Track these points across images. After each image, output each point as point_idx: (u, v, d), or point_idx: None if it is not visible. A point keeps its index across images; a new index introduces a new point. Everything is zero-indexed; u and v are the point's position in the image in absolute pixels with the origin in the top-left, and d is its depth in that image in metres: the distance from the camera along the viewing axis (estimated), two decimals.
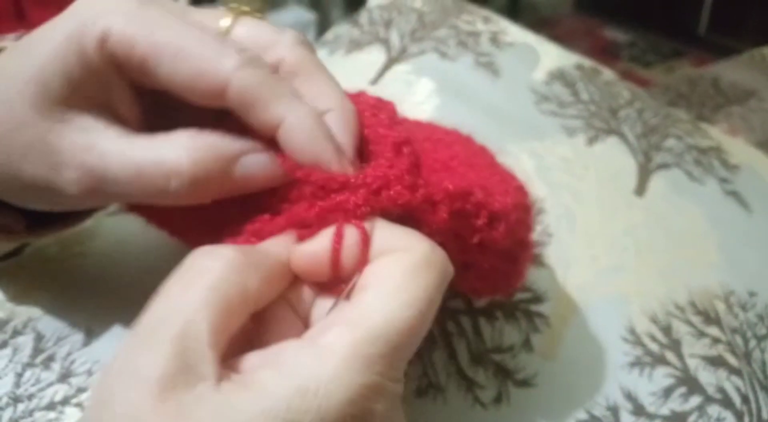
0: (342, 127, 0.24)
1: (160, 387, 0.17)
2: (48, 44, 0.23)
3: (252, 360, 0.20)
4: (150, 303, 0.19)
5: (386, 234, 0.23)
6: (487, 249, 0.27)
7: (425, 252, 0.22)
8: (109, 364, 0.18)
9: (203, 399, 0.17)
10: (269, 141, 0.24)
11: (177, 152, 0.23)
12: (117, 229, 0.36)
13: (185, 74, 0.23)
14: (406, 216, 0.24)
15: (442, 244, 0.23)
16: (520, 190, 0.31)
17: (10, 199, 0.26)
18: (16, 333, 0.31)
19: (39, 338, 0.31)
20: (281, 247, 0.23)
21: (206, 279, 0.20)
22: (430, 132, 0.34)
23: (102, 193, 0.24)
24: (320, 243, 0.23)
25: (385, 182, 0.24)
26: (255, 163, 0.23)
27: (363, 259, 0.22)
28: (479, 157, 0.33)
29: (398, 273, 0.21)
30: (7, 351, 0.30)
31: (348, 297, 0.22)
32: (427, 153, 0.29)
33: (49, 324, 0.31)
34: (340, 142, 0.24)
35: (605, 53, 1.89)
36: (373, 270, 0.22)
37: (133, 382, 0.17)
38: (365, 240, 0.22)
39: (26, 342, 0.31)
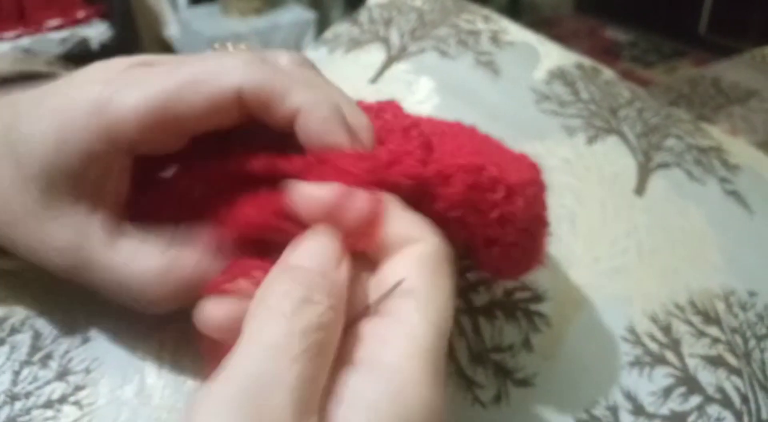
0: (354, 114, 0.24)
1: None
2: (66, 121, 0.23)
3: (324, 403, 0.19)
4: None
5: (400, 220, 0.22)
6: (508, 224, 0.27)
7: (439, 244, 0.22)
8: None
9: None
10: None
11: (150, 273, 0.24)
12: None
13: (200, 97, 0.22)
14: (419, 195, 0.24)
15: (462, 219, 0.23)
16: (534, 167, 0.31)
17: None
18: (14, 330, 0.31)
19: (37, 336, 0.31)
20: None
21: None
22: (434, 126, 0.34)
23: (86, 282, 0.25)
24: (327, 189, 0.23)
25: (396, 157, 0.24)
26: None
27: (374, 229, 0.22)
28: (486, 144, 0.33)
29: (428, 274, 0.21)
30: (5, 348, 0.30)
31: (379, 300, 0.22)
32: (434, 145, 0.29)
33: (47, 322, 0.31)
34: (354, 124, 0.24)
35: (606, 53, 1.89)
36: (400, 270, 0.21)
37: None
38: (376, 206, 0.22)
39: (24, 340, 0.30)
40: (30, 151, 0.23)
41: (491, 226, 0.27)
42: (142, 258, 0.24)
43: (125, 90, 0.22)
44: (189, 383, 0.29)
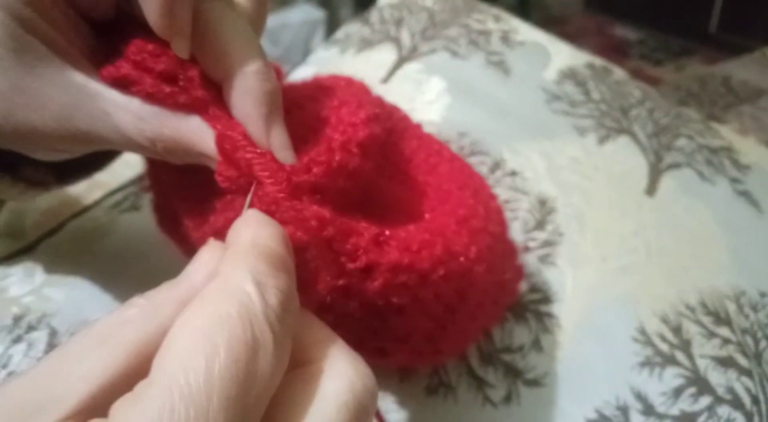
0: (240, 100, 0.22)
1: None
2: None
3: None
4: None
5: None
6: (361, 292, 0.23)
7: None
8: None
9: None
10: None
11: (151, 132, 0.23)
12: (130, 227, 0.37)
13: None
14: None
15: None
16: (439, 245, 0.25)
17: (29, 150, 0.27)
18: (31, 328, 0.31)
19: (53, 333, 0.31)
20: None
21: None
22: (417, 148, 0.33)
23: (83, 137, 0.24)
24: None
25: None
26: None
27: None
28: (455, 183, 0.31)
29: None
30: (22, 345, 0.31)
31: None
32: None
33: (63, 320, 0.32)
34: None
35: (615, 51, 1.88)
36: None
37: None
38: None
39: (40, 337, 0.31)
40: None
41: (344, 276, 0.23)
42: (136, 102, 0.23)
43: None
44: None
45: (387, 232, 0.23)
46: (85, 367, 0.17)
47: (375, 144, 0.26)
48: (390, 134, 0.30)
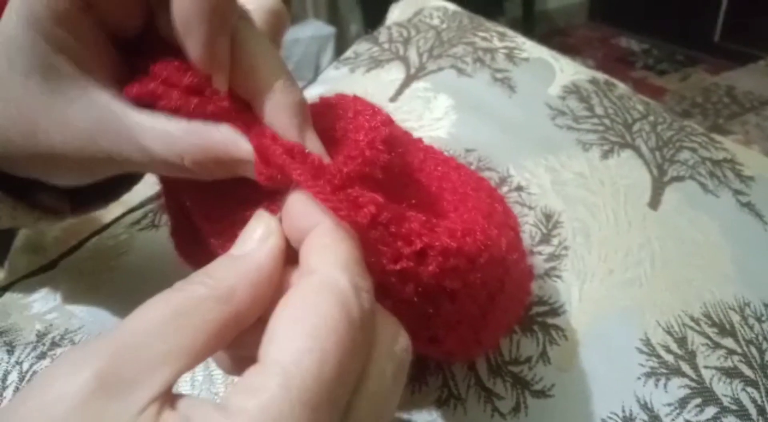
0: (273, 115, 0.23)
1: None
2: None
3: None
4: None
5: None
6: (408, 283, 0.24)
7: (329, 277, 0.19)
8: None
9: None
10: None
11: (180, 146, 0.23)
12: (149, 244, 0.38)
13: None
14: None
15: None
16: (482, 238, 0.26)
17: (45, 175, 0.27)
18: (54, 345, 0.32)
19: None
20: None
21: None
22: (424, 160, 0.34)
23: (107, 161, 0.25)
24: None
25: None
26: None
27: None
28: (466, 189, 0.32)
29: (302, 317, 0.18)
30: (46, 362, 0.32)
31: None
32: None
33: (86, 337, 0.33)
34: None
35: (620, 62, 1.89)
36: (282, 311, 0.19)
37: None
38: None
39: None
40: (9, 40, 0.23)
41: (391, 275, 0.23)
42: (162, 120, 0.23)
43: None
44: (221, 394, 0.30)
45: (433, 219, 0.24)
46: (167, 347, 0.18)
47: (396, 143, 0.27)
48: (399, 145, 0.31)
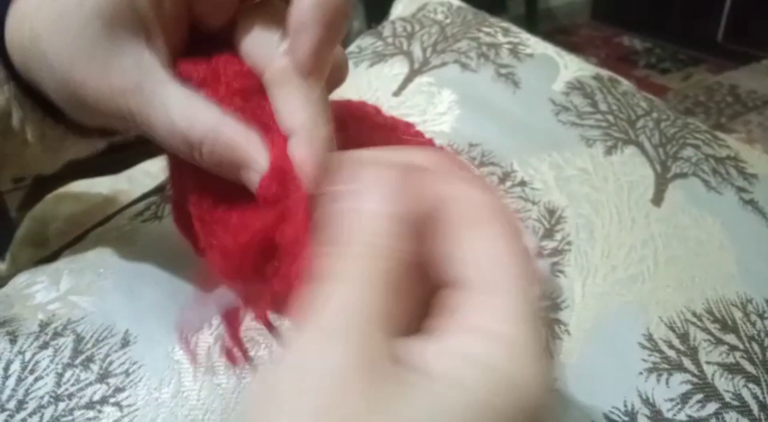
0: (304, 152, 0.23)
1: (358, 378, 0.16)
2: None
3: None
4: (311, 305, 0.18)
5: None
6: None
7: None
8: (276, 365, 0.18)
9: (404, 388, 0.16)
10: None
11: (203, 130, 0.24)
12: (152, 235, 0.38)
13: None
14: None
15: None
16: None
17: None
18: (57, 335, 0.32)
19: (79, 340, 0.32)
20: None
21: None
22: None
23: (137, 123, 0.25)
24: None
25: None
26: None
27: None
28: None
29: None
30: (48, 352, 0.32)
31: None
32: None
33: (88, 327, 0.33)
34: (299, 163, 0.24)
35: (622, 60, 1.89)
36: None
37: (324, 374, 0.16)
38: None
39: (66, 343, 0.32)
40: None
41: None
42: (199, 101, 0.24)
43: None
44: (224, 385, 0.30)
45: None
46: None
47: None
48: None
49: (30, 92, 0.28)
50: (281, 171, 0.23)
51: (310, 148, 0.23)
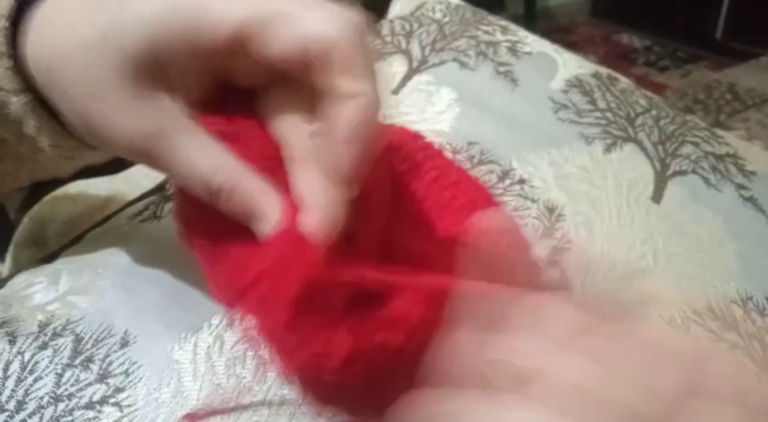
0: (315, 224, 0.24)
1: None
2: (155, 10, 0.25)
3: None
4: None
5: None
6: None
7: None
8: None
9: None
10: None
11: (224, 177, 0.25)
12: (151, 235, 0.38)
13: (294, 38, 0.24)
14: None
15: None
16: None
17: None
18: (56, 335, 0.32)
19: (78, 340, 0.32)
20: None
21: None
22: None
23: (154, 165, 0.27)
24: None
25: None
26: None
27: None
28: None
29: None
30: (48, 352, 0.32)
31: None
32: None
33: (88, 327, 0.33)
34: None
35: (621, 58, 1.89)
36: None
37: None
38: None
39: (66, 343, 0.32)
40: (131, 41, 0.24)
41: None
42: (222, 150, 0.25)
43: (219, 4, 0.25)
44: (224, 385, 0.30)
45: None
46: None
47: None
48: (404, 175, 0.31)
49: (45, 104, 0.28)
50: (289, 232, 0.24)
51: (321, 222, 0.24)
